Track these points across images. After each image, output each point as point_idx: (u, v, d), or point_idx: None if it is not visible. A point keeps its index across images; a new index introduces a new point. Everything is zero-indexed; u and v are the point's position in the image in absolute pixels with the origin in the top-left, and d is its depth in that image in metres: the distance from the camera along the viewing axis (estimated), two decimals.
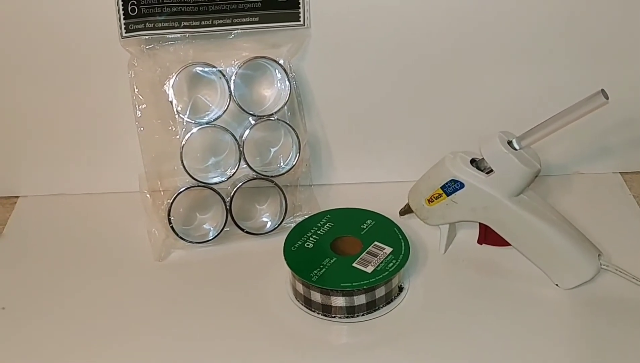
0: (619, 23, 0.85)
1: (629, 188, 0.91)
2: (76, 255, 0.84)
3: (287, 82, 0.83)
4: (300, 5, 0.81)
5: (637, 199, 0.89)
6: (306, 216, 0.83)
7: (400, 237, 0.78)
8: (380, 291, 0.74)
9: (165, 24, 0.80)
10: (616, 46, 0.86)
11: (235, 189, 0.83)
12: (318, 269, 0.74)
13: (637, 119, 0.90)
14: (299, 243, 0.78)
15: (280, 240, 0.78)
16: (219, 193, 0.83)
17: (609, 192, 0.91)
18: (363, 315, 0.74)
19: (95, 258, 0.83)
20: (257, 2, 0.81)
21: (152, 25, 0.80)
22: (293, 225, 0.81)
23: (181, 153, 0.81)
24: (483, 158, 0.75)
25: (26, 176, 0.92)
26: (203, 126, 0.82)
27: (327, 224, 0.80)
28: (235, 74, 0.81)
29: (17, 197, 0.92)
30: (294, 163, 0.84)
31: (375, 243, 0.77)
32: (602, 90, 0.69)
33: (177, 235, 0.82)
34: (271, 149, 0.86)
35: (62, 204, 0.91)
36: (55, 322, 0.75)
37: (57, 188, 0.92)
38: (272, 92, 0.84)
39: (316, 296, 0.74)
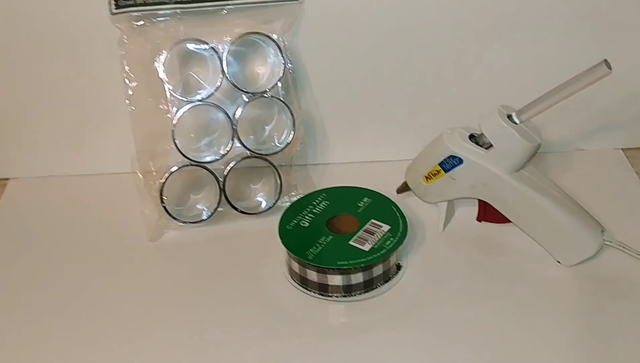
0: None
1: (631, 164, 0.90)
2: (68, 236, 0.83)
3: (281, 59, 0.82)
4: None
5: None
6: (301, 196, 0.82)
7: (398, 215, 0.77)
8: (377, 270, 0.73)
9: (156, 0, 0.79)
10: (618, 21, 0.85)
11: (229, 169, 0.82)
12: (314, 247, 0.73)
13: (638, 93, 0.89)
14: (295, 221, 0.77)
15: (275, 219, 0.77)
16: (212, 173, 0.82)
17: (611, 168, 0.90)
18: (360, 294, 0.73)
19: (87, 240, 0.82)
20: None
21: (142, 1, 0.79)
22: (288, 205, 0.80)
23: (173, 131, 0.80)
24: (482, 133, 0.74)
25: (17, 158, 0.91)
26: (195, 104, 0.80)
27: (323, 203, 0.79)
28: (228, 50, 0.80)
29: (8, 179, 0.91)
30: (288, 141, 0.83)
31: (373, 221, 0.76)
32: (605, 60, 0.67)
33: (170, 215, 0.81)
34: (265, 127, 0.85)
35: (53, 186, 0.90)
36: (47, 303, 0.74)
37: (48, 169, 0.91)
38: (266, 69, 0.83)
39: (312, 276, 0.73)
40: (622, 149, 0.92)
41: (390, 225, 0.76)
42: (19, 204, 0.88)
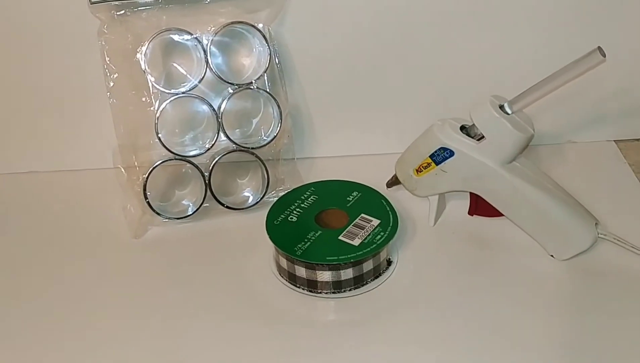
0: None
1: (624, 156, 0.89)
2: (50, 233, 0.82)
3: (267, 49, 0.81)
4: None
5: (633, 167, 0.87)
6: (289, 190, 0.80)
7: (388, 209, 0.76)
8: (368, 265, 0.72)
9: None
10: (612, 11, 0.84)
11: (214, 163, 0.80)
12: (302, 243, 0.72)
13: (631, 86, 0.89)
14: (282, 216, 0.75)
15: (262, 215, 0.76)
16: (197, 167, 0.81)
17: (604, 161, 0.89)
18: (350, 290, 0.72)
19: (70, 237, 0.81)
20: None
21: None
22: (275, 199, 0.79)
23: (156, 124, 0.78)
24: (473, 124, 0.73)
25: None
26: (179, 96, 0.79)
27: (312, 197, 0.78)
28: (212, 41, 0.79)
29: None
30: (275, 134, 0.82)
31: (362, 215, 0.75)
32: (599, 47, 0.66)
33: (154, 211, 0.80)
34: (252, 120, 0.84)
35: (33, 182, 0.89)
36: (29, 300, 0.73)
37: (27, 165, 0.90)
38: (251, 59, 0.82)
39: (301, 271, 0.71)
40: (615, 141, 0.91)
41: (380, 219, 0.74)
42: None
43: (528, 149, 0.74)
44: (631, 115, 0.90)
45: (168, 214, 0.80)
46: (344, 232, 0.73)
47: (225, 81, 0.80)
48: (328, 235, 0.73)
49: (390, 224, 0.74)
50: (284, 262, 0.72)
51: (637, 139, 0.91)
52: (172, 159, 0.80)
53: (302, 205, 0.77)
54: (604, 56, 0.66)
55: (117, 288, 0.74)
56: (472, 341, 0.67)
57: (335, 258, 0.70)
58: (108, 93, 0.79)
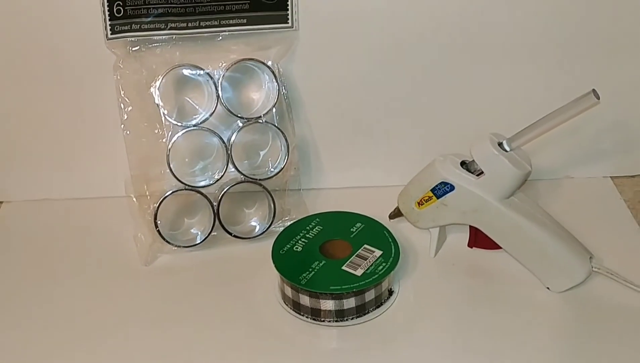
0: (609, 25, 0.84)
1: (619, 193, 0.90)
2: (62, 260, 0.83)
3: (276, 85, 0.82)
4: (289, 7, 0.81)
5: (628, 203, 0.89)
6: (295, 220, 0.82)
7: (390, 240, 0.77)
8: (370, 295, 0.73)
9: (152, 26, 0.80)
10: (607, 49, 0.86)
11: (222, 193, 0.82)
12: (307, 272, 0.73)
13: (627, 122, 0.90)
14: (288, 246, 0.77)
15: (268, 244, 0.78)
16: (206, 197, 0.82)
17: (600, 196, 0.91)
18: (353, 318, 0.73)
19: (81, 263, 0.82)
20: (245, 3, 0.80)
21: (138, 26, 0.79)
22: (281, 229, 0.80)
23: (168, 156, 0.80)
24: (473, 160, 0.74)
25: (10, 181, 0.91)
26: (190, 129, 0.81)
27: (316, 228, 0.79)
28: (223, 76, 0.81)
29: (2, 202, 0.91)
30: (282, 166, 0.84)
31: (365, 246, 0.77)
32: (593, 90, 0.69)
33: (164, 239, 0.81)
34: (260, 152, 0.85)
35: (47, 210, 0.90)
36: (40, 327, 0.74)
37: (42, 193, 0.91)
38: (260, 94, 0.84)
39: (305, 300, 0.73)
40: (611, 177, 0.93)
41: (382, 250, 0.76)
42: (13, 227, 0.88)
43: (526, 184, 0.75)
44: (626, 153, 0.92)
45: (177, 242, 0.82)
46: (347, 262, 0.75)
47: (235, 115, 0.81)
48: (332, 264, 0.75)
49: (392, 255, 0.75)
50: (288, 291, 0.74)
51: (633, 176, 0.93)
52: (183, 189, 0.81)
53: (307, 235, 0.78)
54: (598, 98, 0.68)
55: (127, 313, 0.75)
56: None
57: (339, 287, 0.72)
58: (122, 125, 0.81)
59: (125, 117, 0.81)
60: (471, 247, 0.80)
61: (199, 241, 0.82)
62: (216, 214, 0.82)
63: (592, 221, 0.85)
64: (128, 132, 0.81)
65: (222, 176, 0.82)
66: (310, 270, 0.74)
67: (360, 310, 0.73)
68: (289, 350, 0.71)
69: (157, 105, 0.80)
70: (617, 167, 0.93)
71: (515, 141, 0.73)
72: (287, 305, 0.75)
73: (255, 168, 0.85)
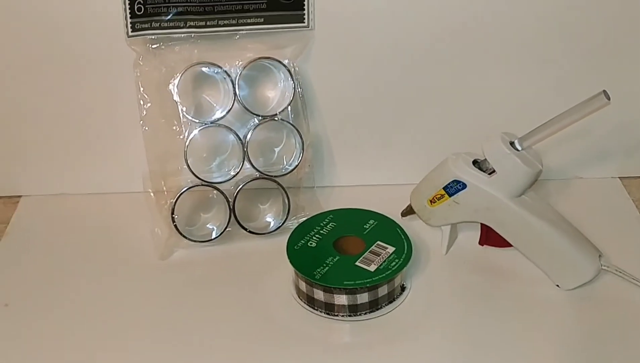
0: (619, 26, 0.85)
1: (628, 193, 0.91)
2: (79, 254, 0.83)
3: (292, 83, 0.83)
4: (305, 7, 0.82)
5: (637, 203, 0.90)
6: (309, 217, 0.83)
7: (403, 237, 0.78)
8: (382, 290, 0.74)
9: (171, 24, 0.81)
10: (617, 49, 0.86)
11: (238, 189, 0.83)
12: (321, 267, 0.75)
13: (636, 123, 0.91)
14: (302, 242, 0.78)
15: (283, 240, 0.79)
16: (222, 193, 0.83)
17: (609, 196, 0.91)
18: (366, 313, 0.74)
19: (98, 257, 0.83)
20: (262, 3, 0.81)
21: (158, 24, 0.81)
22: (296, 225, 0.81)
23: (185, 152, 0.81)
24: (485, 159, 0.75)
25: (29, 175, 0.92)
26: (207, 126, 0.82)
27: (330, 224, 0.80)
28: (240, 74, 0.82)
29: (20, 196, 0.92)
30: (297, 163, 0.85)
31: (378, 242, 0.78)
32: (604, 91, 0.69)
33: (181, 233, 0.82)
34: (275, 149, 0.86)
35: (64, 204, 0.91)
36: (58, 320, 0.75)
37: (59, 187, 0.92)
38: (276, 93, 0.85)
39: (319, 295, 0.74)
40: (619, 177, 0.93)
41: (395, 247, 0.77)
42: (31, 221, 0.89)
43: (537, 184, 0.76)
44: (635, 154, 0.93)
45: (193, 237, 0.83)
46: (361, 258, 0.76)
47: (251, 112, 0.83)
48: (345, 260, 0.76)
49: (405, 252, 0.76)
50: (303, 285, 0.75)
51: None
52: (199, 185, 0.82)
53: (321, 231, 0.79)
54: (609, 99, 0.69)
55: (143, 306, 0.76)
56: None
57: (352, 282, 0.73)
58: (141, 121, 0.82)
59: (144, 113, 0.82)
60: (482, 245, 0.81)
61: (214, 237, 0.83)
62: (232, 210, 0.83)
63: (601, 220, 0.86)
64: (147, 128, 0.82)
65: (238, 172, 0.83)
66: (325, 265, 0.75)
67: (373, 305, 0.74)
68: (303, 344, 0.72)
69: (176, 102, 0.81)
70: (625, 167, 0.94)
71: (527, 140, 0.74)
72: (301, 299, 0.76)
73: (270, 164, 0.86)
